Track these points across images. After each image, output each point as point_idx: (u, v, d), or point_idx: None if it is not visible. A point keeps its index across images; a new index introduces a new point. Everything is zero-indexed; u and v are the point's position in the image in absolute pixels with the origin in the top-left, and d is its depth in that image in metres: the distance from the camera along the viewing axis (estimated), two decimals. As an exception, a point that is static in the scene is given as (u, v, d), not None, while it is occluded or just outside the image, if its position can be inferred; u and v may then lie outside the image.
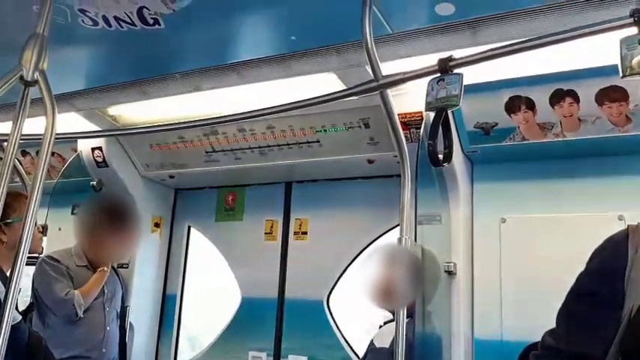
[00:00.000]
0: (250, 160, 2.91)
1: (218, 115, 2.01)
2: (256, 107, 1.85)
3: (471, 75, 1.46)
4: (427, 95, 1.47)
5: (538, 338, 1.20)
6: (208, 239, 3.44)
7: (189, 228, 3.53)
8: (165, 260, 3.47)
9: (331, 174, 3.00)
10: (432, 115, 1.50)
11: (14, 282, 1.23)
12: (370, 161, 2.72)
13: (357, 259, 2.95)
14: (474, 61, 1.43)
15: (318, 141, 2.72)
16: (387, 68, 1.63)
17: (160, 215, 3.46)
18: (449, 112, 1.47)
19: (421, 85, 1.55)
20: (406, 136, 2.22)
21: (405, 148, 1.73)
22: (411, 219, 1.95)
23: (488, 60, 1.42)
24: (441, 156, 1.50)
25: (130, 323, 3.04)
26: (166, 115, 2.76)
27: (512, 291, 2.33)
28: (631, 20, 1.17)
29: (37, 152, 1.26)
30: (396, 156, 1.80)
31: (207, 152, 2.99)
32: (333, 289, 2.99)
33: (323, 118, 2.61)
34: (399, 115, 1.85)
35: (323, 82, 2.24)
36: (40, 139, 1.30)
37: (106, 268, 2.69)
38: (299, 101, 1.77)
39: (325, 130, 2.66)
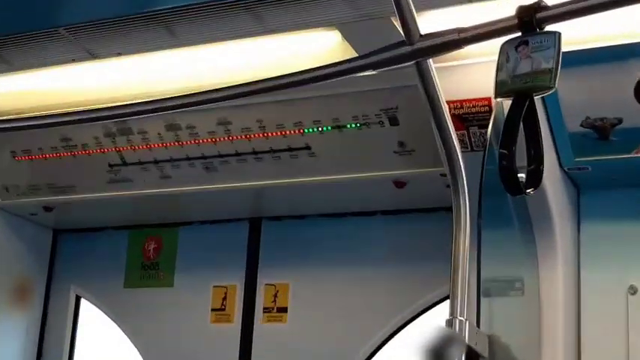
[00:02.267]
0: (188, 179, 2.90)
1: (132, 102, 2.05)
2: (199, 87, 1.89)
3: (573, 36, 1.50)
4: (499, 70, 1.48)
5: None
6: (112, 319, 3.41)
7: (77, 299, 3.51)
8: (34, 357, 3.44)
9: (330, 205, 3.02)
10: (506, 104, 1.51)
11: None
12: (399, 184, 2.71)
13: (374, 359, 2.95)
14: (578, 11, 1.43)
15: (308, 147, 2.71)
16: (427, 23, 1.62)
17: (27, 276, 3.43)
18: (537, 99, 1.48)
19: (488, 51, 1.58)
20: (462, 141, 2.22)
21: (461, 161, 1.81)
22: (471, 287, 1.89)
23: (601, 10, 1.42)
24: (522, 176, 1.52)
25: None
26: (43, 101, 2.75)
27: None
28: None
29: None
30: (443, 175, 1.89)
31: (111, 166, 2.97)
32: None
33: (316, 107, 2.61)
34: (449, 103, 1.89)
35: (318, 47, 2.25)
36: None
37: None
38: (275, 78, 1.79)
39: (320, 129, 2.66)
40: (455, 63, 2.22)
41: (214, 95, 1.90)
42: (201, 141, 2.81)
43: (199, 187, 2.94)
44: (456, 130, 1.88)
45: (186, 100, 1.95)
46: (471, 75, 2.25)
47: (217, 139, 2.79)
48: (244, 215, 3.23)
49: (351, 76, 1.79)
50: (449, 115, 1.83)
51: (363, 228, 3.06)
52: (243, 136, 2.76)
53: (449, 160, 1.82)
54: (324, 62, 1.82)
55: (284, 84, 1.81)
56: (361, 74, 1.79)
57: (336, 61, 1.84)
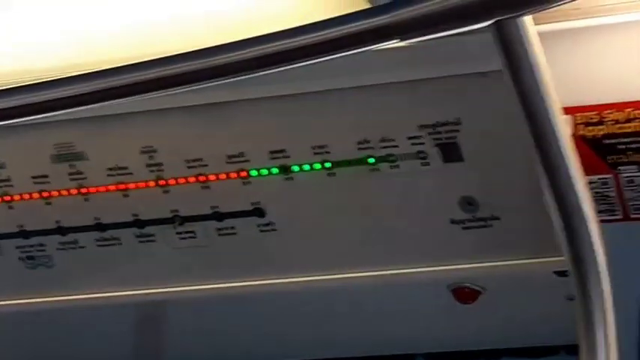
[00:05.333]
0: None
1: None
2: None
3: None
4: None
5: None
6: None
7: None
8: None
9: (316, 345, 2.08)
10: None
11: None
12: (465, 294, 1.92)
13: None
14: None
15: (259, 212, 1.82)
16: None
17: None
18: None
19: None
20: (600, 197, 1.63)
21: (599, 244, 1.22)
22: None
23: None
24: None
25: None
26: None
27: None
28: None
29: None
30: (561, 274, 1.50)
31: None
32: None
33: (274, 119, 1.78)
34: (570, 113, 1.48)
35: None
36: None
37: None
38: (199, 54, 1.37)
39: (284, 170, 1.81)
40: (581, 23, 1.54)
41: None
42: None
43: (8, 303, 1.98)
44: (587, 172, 1.24)
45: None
46: (617, 47, 1.56)
47: (41, 194, 1.78)
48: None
49: (359, 52, 1.11)
50: (569, 138, 1.16)
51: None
52: (111, 187, 1.80)
53: (571, 242, 1.16)
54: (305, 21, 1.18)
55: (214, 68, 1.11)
56: (382, 46, 1.11)
57: (327, 17, 1.17)
